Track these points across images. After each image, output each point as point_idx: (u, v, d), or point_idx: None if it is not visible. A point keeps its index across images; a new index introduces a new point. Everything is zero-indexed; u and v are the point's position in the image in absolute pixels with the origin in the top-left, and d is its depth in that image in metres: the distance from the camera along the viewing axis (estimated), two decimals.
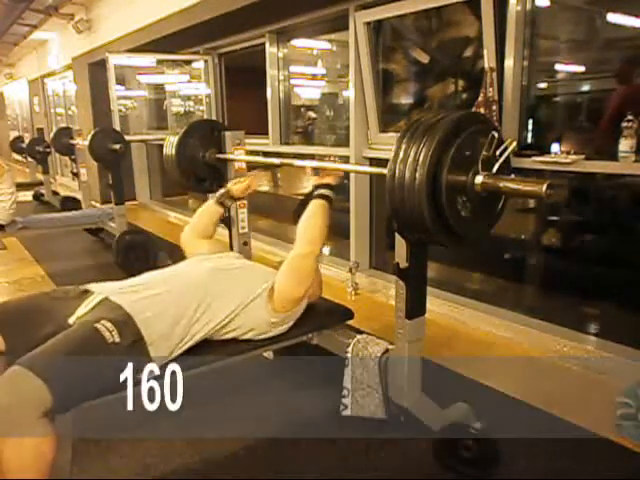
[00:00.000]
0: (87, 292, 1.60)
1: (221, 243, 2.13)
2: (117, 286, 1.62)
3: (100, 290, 1.58)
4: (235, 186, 2.11)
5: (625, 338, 2.24)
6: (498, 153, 1.32)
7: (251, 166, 2.53)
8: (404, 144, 1.30)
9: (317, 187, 1.84)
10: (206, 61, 5.26)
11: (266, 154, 2.16)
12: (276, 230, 4.78)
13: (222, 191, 2.12)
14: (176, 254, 4.08)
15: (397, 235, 1.54)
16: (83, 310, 1.52)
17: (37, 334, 1.36)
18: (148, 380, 1.46)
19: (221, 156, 2.44)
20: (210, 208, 2.12)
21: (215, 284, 1.65)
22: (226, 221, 2.43)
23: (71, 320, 1.50)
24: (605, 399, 1.98)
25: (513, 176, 1.39)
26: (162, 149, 2.45)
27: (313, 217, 1.76)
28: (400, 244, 1.55)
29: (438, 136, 1.25)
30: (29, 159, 6.88)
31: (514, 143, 1.35)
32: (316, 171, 1.92)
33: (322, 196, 1.80)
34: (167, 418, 1.91)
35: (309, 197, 1.82)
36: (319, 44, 4.40)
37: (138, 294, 1.56)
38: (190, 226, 2.12)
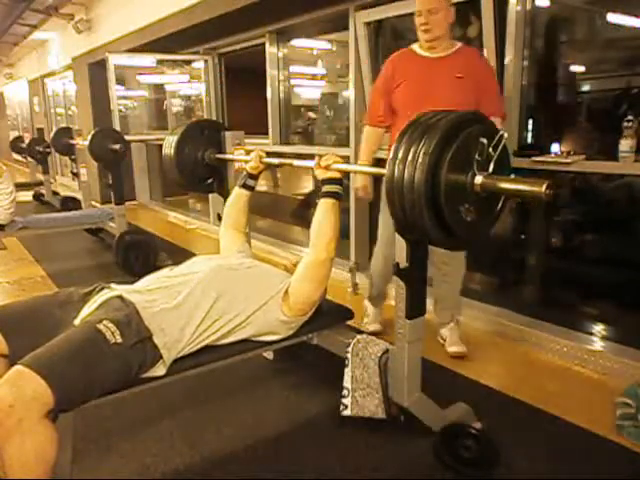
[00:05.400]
0: (90, 293, 1.61)
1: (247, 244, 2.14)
2: (132, 286, 1.63)
3: (115, 288, 1.59)
4: (248, 164, 2.12)
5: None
6: (492, 145, 1.31)
7: None
8: (403, 144, 1.30)
9: (324, 182, 1.76)
10: (206, 61, 5.26)
11: (266, 154, 2.16)
12: (276, 230, 4.78)
13: (243, 173, 2.14)
14: (176, 254, 4.10)
15: (397, 235, 1.54)
16: (87, 311, 1.53)
17: (41, 337, 1.35)
18: (151, 380, 1.47)
19: (221, 156, 2.44)
20: (236, 193, 2.13)
21: (232, 285, 1.65)
22: None
23: (76, 322, 1.50)
24: (605, 399, 1.98)
25: (513, 176, 1.39)
26: (162, 149, 2.45)
27: (327, 220, 1.71)
28: (400, 244, 1.55)
29: (437, 136, 1.25)
30: (29, 159, 6.88)
31: (506, 134, 1.34)
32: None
33: (331, 193, 1.74)
34: (167, 418, 1.92)
35: (315, 195, 1.77)
36: (319, 44, 4.40)
37: (152, 294, 1.56)
38: (223, 218, 2.15)
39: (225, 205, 2.18)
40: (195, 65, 5.55)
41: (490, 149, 1.31)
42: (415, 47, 2.28)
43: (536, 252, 2.82)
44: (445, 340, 2.46)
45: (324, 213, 1.72)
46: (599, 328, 2.46)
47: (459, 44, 2.24)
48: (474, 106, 2.10)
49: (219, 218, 2.26)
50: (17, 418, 1.14)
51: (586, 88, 2.70)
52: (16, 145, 7.52)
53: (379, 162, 3.29)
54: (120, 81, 5.40)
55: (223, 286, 1.62)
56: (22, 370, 1.19)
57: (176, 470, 1.65)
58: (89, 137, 3.90)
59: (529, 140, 2.66)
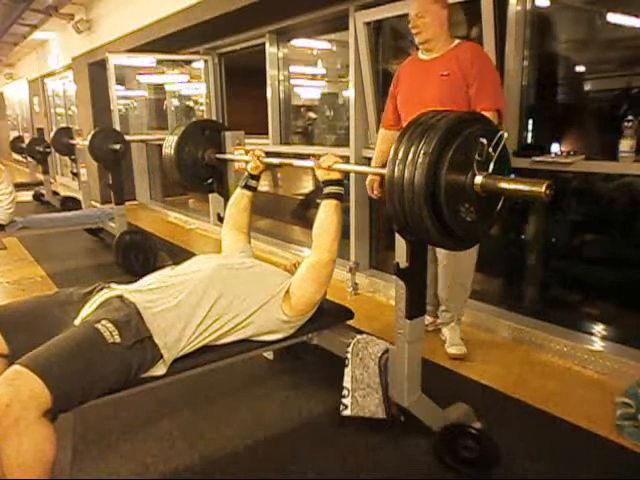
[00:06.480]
0: (90, 293, 1.61)
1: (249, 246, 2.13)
2: (133, 286, 1.63)
3: (115, 288, 1.60)
4: (249, 164, 2.12)
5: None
6: (492, 145, 1.31)
7: None
8: (403, 144, 1.30)
9: (325, 183, 1.76)
10: (206, 61, 5.26)
11: (266, 154, 2.16)
12: (276, 230, 4.78)
13: (244, 174, 2.15)
14: (176, 254, 4.10)
15: (397, 235, 1.54)
16: (86, 311, 1.53)
17: (40, 337, 1.35)
18: (151, 380, 1.47)
19: (221, 156, 2.44)
20: (238, 194, 2.13)
21: (233, 284, 1.65)
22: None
23: (76, 322, 1.51)
24: (605, 399, 1.98)
25: (513, 176, 1.38)
26: (162, 149, 2.45)
27: (329, 221, 1.71)
28: (400, 244, 1.55)
29: (437, 136, 1.25)
30: (29, 159, 6.88)
31: (506, 134, 1.35)
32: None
33: (332, 194, 1.74)
34: (167, 418, 1.92)
35: (315, 195, 1.78)
36: (319, 44, 4.39)
37: (153, 294, 1.56)
38: (225, 218, 2.15)
39: (227, 205, 2.18)
40: (195, 65, 5.55)
41: (490, 149, 1.31)
42: (419, 52, 2.34)
43: (535, 252, 2.82)
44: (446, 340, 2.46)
45: (326, 214, 1.72)
46: (599, 328, 2.46)
47: (457, 41, 2.25)
48: (466, 102, 2.15)
49: (219, 218, 2.26)
50: (14, 418, 1.14)
51: (586, 88, 2.69)
52: (16, 145, 7.52)
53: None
54: (120, 81, 5.40)
55: (224, 286, 1.62)
56: (20, 370, 1.19)
57: (176, 470, 1.65)
58: (89, 137, 3.90)
59: (529, 140, 2.65)
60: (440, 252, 2.39)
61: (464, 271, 2.40)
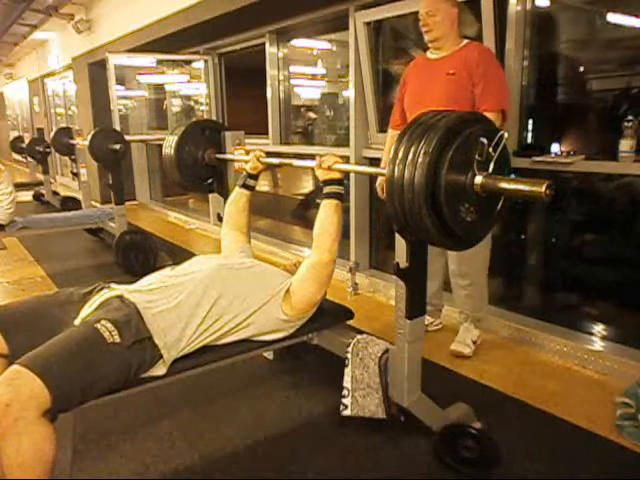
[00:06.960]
0: (90, 293, 1.61)
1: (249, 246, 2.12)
2: (133, 286, 1.63)
3: (115, 288, 1.60)
4: (248, 165, 2.12)
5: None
6: (493, 145, 1.31)
7: None
8: (403, 144, 1.30)
9: (325, 183, 1.77)
10: (206, 61, 5.26)
11: (266, 154, 2.16)
12: (276, 230, 4.78)
13: (243, 174, 2.15)
14: (176, 254, 4.10)
15: (397, 235, 1.54)
16: (86, 311, 1.53)
17: (40, 337, 1.35)
18: (151, 380, 1.47)
19: (221, 156, 2.44)
20: (236, 193, 2.13)
21: (233, 285, 1.65)
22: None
23: (76, 322, 1.51)
24: (605, 399, 1.98)
25: (513, 176, 1.38)
26: (162, 149, 2.45)
27: (329, 220, 1.72)
28: (400, 244, 1.55)
29: (437, 136, 1.24)
30: (29, 159, 6.88)
31: (506, 134, 1.35)
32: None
33: (333, 194, 1.75)
34: (167, 418, 1.92)
35: (315, 195, 1.78)
36: (319, 44, 4.40)
37: (153, 294, 1.56)
38: (224, 218, 2.15)
39: (225, 205, 2.18)
40: (195, 65, 5.56)
41: (490, 149, 1.31)
42: (428, 52, 2.36)
43: (535, 251, 2.82)
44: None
45: (327, 214, 1.73)
46: (599, 328, 2.46)
47: (465, 41, 2.25)
48: (470, 101, 2.16)
49: (219, 218, 2.26)
50: (13, 417, 1.14)
51: (586, 88, 2.69)
52: (16, 145, 7.52)
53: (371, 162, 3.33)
54: (120, 81, 5.40)
55: (224, 286, 1.62)
56: (19, 370, 1.19)
57: (176, 470, 1.65)
58: (89, 137, 3.90)
59: (529, 140, 2.65)
60: (449, 252, 2.39)
61: (472, 271, 2.39)
